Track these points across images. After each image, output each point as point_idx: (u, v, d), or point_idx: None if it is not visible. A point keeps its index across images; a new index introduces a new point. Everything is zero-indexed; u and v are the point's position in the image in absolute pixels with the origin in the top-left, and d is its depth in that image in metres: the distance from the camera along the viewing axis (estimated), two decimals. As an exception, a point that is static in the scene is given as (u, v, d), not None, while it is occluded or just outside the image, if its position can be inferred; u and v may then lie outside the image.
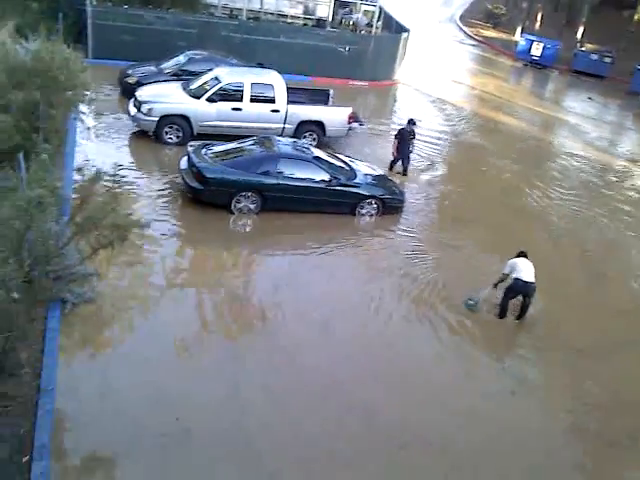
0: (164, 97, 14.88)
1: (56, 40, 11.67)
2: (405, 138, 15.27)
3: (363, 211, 13.05)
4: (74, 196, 10.27)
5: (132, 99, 15.13)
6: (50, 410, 6.98)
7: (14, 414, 6.87)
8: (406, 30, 24.53)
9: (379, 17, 26.04)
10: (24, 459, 6.39)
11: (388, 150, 15.94)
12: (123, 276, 9.77)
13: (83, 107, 12.01)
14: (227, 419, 7.58)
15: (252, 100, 15.14)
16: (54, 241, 7.49)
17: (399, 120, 19.74)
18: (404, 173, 15.39)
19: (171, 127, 14.68)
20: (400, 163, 15.43)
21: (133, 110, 14.82)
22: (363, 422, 7.91)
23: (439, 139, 18.76)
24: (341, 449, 7.46)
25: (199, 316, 9.48)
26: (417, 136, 15.89)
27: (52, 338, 7.99)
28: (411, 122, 15.62)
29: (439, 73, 27.00)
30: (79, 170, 9.71)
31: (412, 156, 15.67)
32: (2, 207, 6.41)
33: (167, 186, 12.91)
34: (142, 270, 10.16)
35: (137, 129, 14.96)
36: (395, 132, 15.81)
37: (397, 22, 25.66)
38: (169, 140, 14.77)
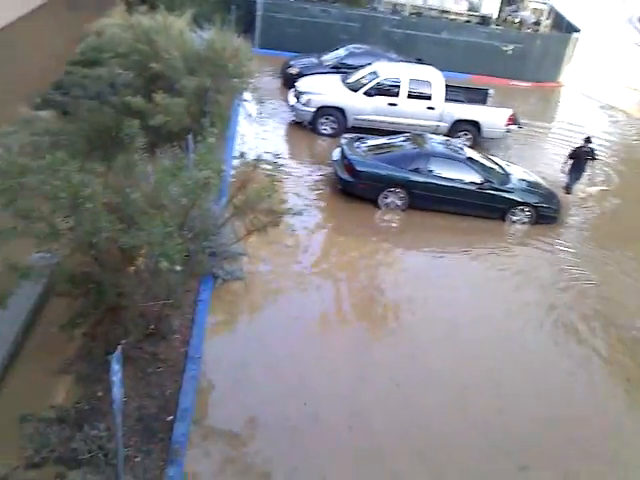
0: (323, 89, 15.21)
1: (228, 30, 12.29)
2: (581, 158, 13.82)
3: (514, 218, 12.45)
4: (233, 179, 10.92)
5: (292, 89, 15.65)
6: (195, 376, 7.46)
7: (163, 375, 7.43)
8: (577, 30, 23.01)
9: (548, 15, 24.65)
10: (168, 418, 6.89)
11: (547, 155, 14.97)
12: (270, 259, 10.19)
13: (246, 94, 12.58)
14: (350, 410, 7.64)
15: (409, 96, 15.03)
16: (213, 220, 7.93)
17: (560, 122, 18.68)
18: (568, 191, 13.94)
19: (327, 118, 14.99)
20: (570, 181, 13.98)
21: (292, 100, 15.34)
22: (482, 435, 7.59)
23: (607, 149, 17.30)
24: (458, 461, 7.23)
25: (334, 304, 9.67)
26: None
27: (203, 309, 8.55)
28: (588, 140, 13.93)
29: (611, 77, 24.96)
30: (241, 155, 10.26)
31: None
32: (172, 185, 6.87)
33: (318, 176, 13.23)
34: (288, 254, 10.53)
35: (294, 119, 15.45)
36: (571, 151, 14.10)
37: (568, 22, 24.15)
38: (324, 131, 15.09)
